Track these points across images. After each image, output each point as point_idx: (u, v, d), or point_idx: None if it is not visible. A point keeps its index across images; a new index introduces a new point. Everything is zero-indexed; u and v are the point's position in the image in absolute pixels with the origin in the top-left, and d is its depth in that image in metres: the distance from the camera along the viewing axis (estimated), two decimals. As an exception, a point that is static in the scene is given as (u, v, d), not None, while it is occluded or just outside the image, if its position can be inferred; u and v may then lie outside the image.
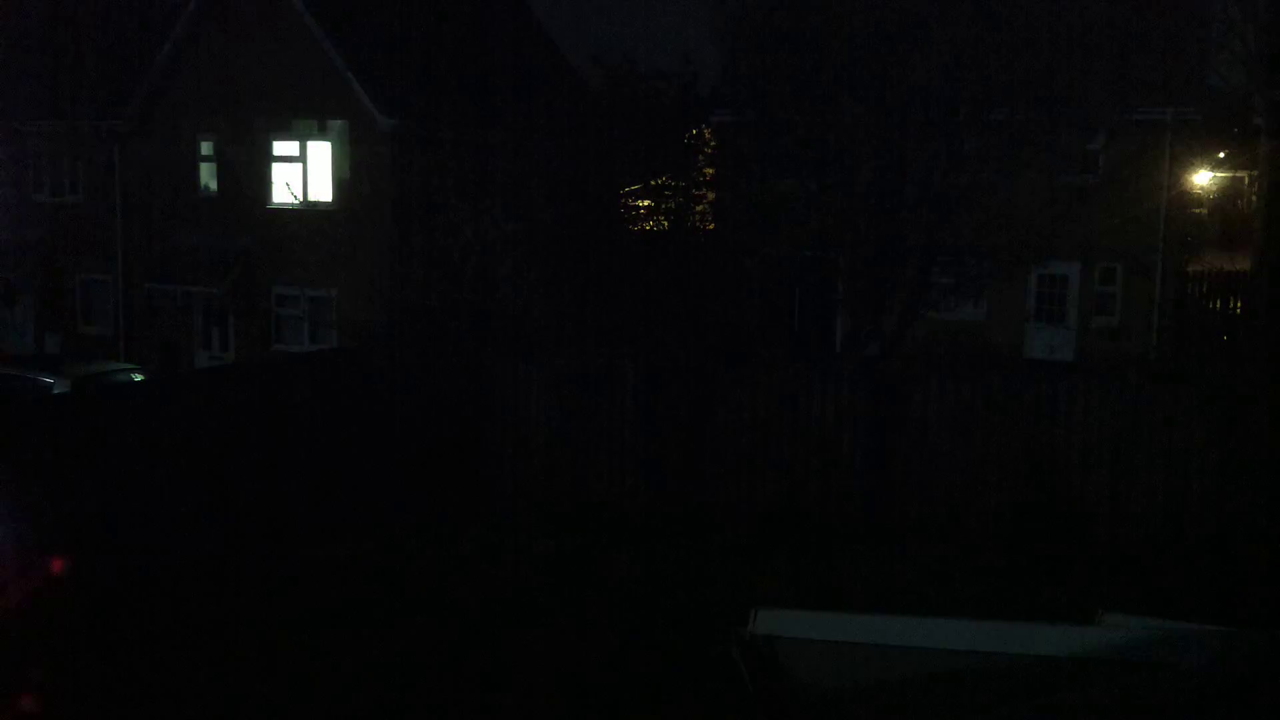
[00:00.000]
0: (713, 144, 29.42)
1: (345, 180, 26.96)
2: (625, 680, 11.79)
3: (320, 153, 27.25)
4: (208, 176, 28.65)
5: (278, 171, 27.59)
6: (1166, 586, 13.79)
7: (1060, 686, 4.81)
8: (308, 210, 27.34)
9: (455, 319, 22.07)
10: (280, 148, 27.47)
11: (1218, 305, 28.37)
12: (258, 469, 16.34)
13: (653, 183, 31.09)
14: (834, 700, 5.12)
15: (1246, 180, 36.58)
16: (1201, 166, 30.52)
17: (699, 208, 30.92)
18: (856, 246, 19.57)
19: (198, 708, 11.18)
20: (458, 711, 11.19)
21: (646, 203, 31.74)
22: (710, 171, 29.99)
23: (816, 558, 15.45)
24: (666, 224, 30.86)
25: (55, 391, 18.92)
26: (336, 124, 26.76)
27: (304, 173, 27.42)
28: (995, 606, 12.96)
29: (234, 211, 28.07)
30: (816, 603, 12.56)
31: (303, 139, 27.22)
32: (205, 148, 28.47)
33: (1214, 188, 37.27)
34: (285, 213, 27.53)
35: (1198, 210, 34.33)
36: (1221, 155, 34.57)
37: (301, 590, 14.35)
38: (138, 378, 20.88)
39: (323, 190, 27.41)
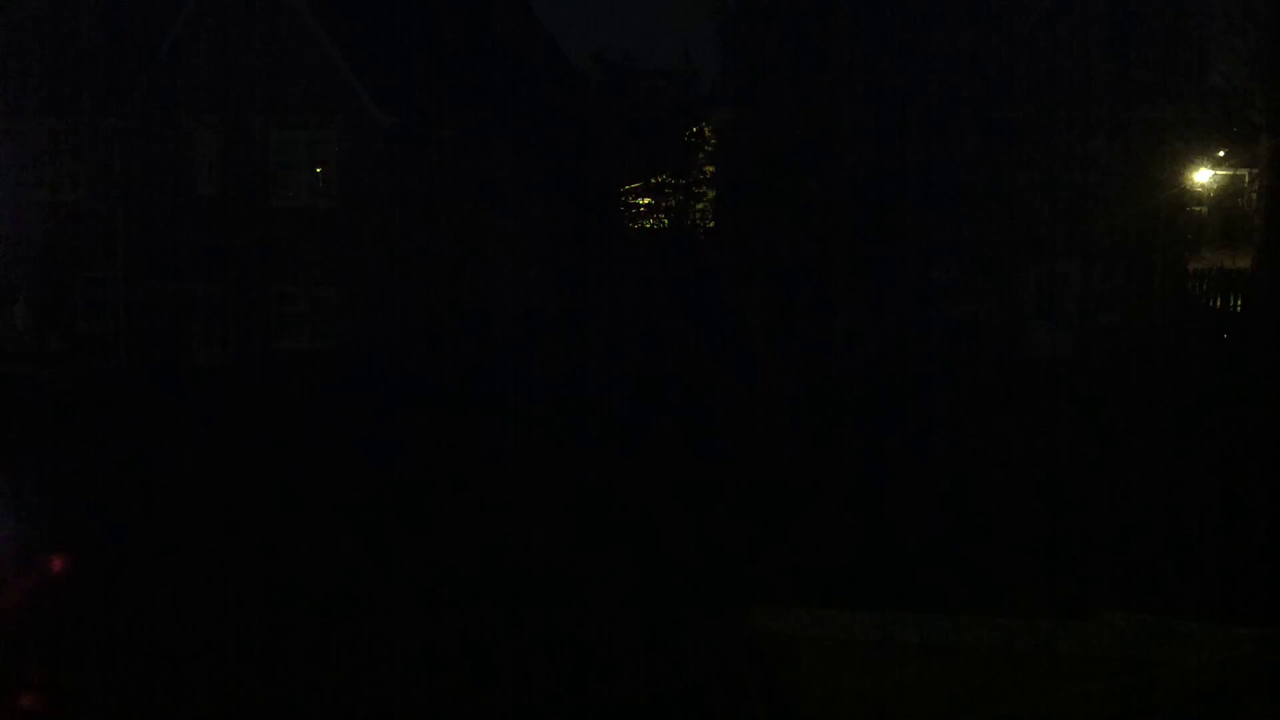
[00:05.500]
0: (713, 142, 29.44)
1: (345, 179, 26.91)
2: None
3: (320, 151, 27.20)
4: (208, 175, 28.57)
5: (278, 169, 27.54)
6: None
7: (1060, 682, 4.81)
8: (308, 209, 27.29)
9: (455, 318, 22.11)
10: (280, 146, 27.42)
11: (1218, 303, 28.30)
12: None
13: (653, 181, 31.14)
14: (834, 697, 5.13)
15: (1247, 179, 36.49)
16: (1202, 165, 30.43)
17: (699, 206, 30.98)
18: (856, 244, 19.59)
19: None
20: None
21: (647, 201, 31.78)
22: (710, 170, 30.04)
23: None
24: (666, 222, 30.92)
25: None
26: (336, 122, 26.71)
27: (304, 171, 27.38)
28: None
29: (234, 210, 28.00)
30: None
31: (303, 137, 27.18)
32: (205, 146, 28.40)
33: (1214, 186, 37.16)
34: (285, 211, 27.47)
35: (1198, 208, 34.24)
36: (1222, 154, 34.48)
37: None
38: None
39: (323, 189, 27.37)
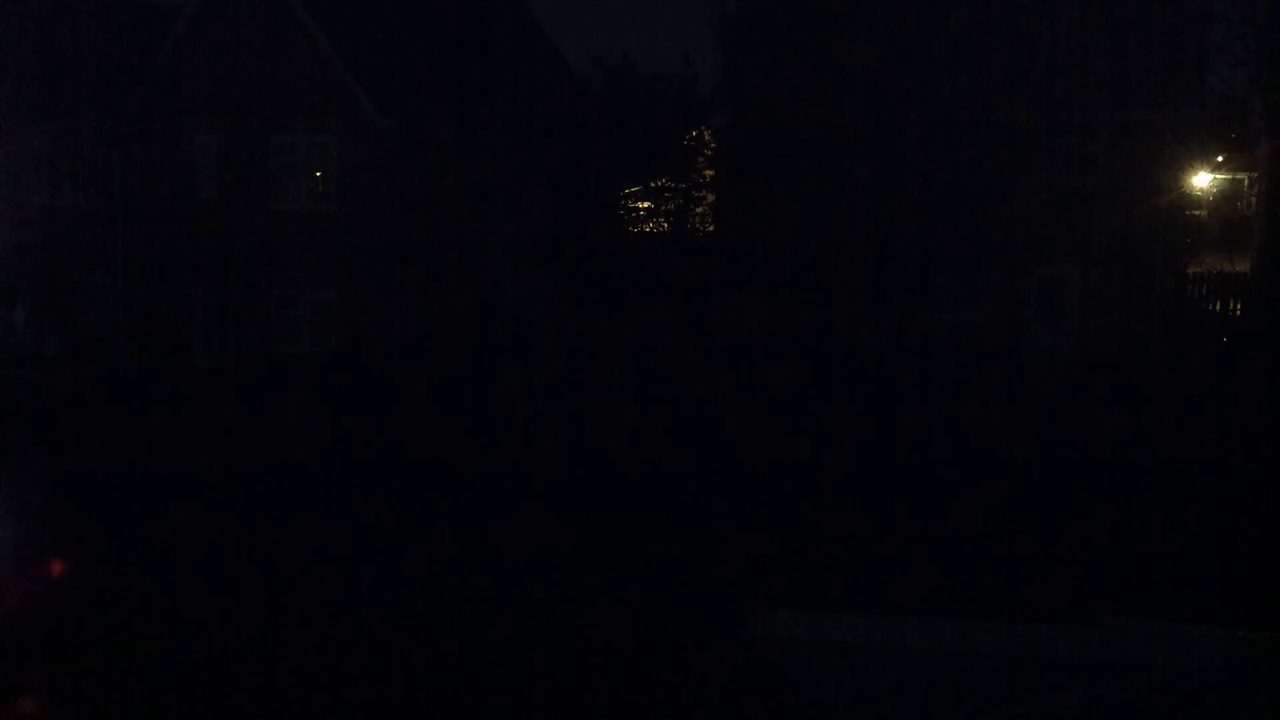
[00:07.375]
0: (713, 145, 29.45)
1: (345, 181, 26.93)
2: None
3: (320, 153, 27.23)
4: (207, 177, 28.59)
5: (277, 172, 27.56)
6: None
7: (1060, 686, 4.80)
8: (307, 212, 27.31)
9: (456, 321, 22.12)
10: (279, 149, 27.44)
11: (1217, 307, 28.32)
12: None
13: (653, 184, 31.16)
14: (834, 701, 5.12)
15: (1246, 182, 36.55)
16: (1201, 168, 30.47)
17: (699, 209, 30.99)
18: (856, 247, 19.60)
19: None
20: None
21: (646, 204, 31.80)
22: (710, 173, 30.05)
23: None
24: (666, 225, 30.93)
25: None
26: (336, 124, 26.73)
27: (303, 174, 27.40)
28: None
29: (233, 213, 28.01)
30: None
31: (302, 140, 27.21)
32: (205, 149, 28.42)
33: (1213, 189, 37.21)
34: (285, 214, 27.49)
35: (1197, 212, 34.28)
36: (1221, 157, 34.53)
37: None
38: None
39: (322, 192, 27.39)
